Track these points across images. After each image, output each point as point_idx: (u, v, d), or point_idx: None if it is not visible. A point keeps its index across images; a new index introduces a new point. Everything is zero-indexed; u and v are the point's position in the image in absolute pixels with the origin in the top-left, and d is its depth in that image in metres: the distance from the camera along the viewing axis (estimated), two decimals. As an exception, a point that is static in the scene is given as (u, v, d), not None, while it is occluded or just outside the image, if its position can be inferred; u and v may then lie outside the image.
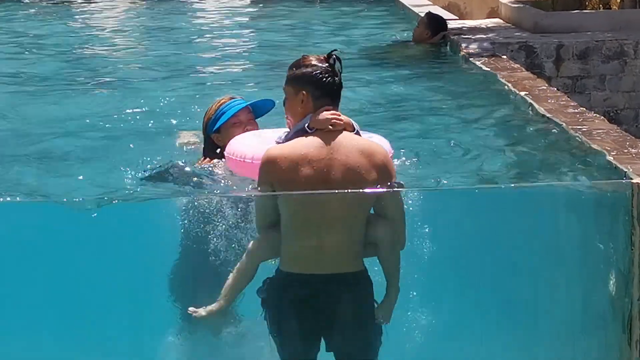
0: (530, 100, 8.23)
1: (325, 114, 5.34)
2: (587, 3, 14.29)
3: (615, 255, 5.96)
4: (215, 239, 5.99)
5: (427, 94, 9.44)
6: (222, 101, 6.43)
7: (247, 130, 6.20)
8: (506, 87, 9.00)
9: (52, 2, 20.04)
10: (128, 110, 9.54)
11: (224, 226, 5.99)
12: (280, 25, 16.31)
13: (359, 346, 5.52)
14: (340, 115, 5.38)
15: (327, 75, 5.41)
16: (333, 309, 5.48)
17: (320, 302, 5.46)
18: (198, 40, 15.09)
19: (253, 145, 5.80)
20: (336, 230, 5.47)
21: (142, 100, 9.96)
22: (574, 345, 6.09)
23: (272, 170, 5.36)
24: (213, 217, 6.04)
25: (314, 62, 5.43)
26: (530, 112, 8.08)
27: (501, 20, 14.59)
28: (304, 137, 5.35)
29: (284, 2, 19.58)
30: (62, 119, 9.33)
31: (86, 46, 14.34)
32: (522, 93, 8.52)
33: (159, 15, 18.29)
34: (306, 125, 5.34)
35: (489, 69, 9.88)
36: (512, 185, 6.55)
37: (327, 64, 5.43)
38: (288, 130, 5.57)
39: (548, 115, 7.68)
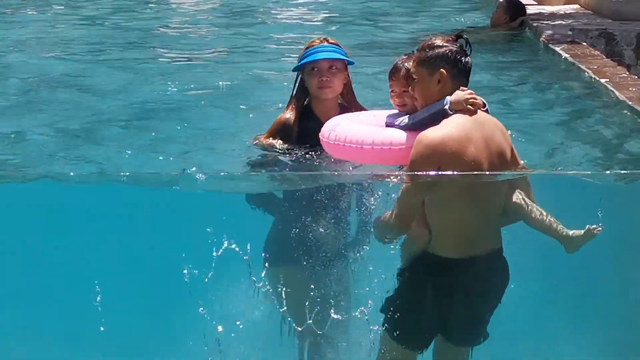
0: (611, 88, 8.15)
1: (464, 94, 5.27)
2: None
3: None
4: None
5: (506, 79, 9.41)
6: (312, 42, 6.13)
7: (327, 80, 5.92)
8: (587, 74, 8.91)
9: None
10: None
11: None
12: (355, 7, 16.28)
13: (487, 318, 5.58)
14: (474, 94, 5.31)
15: (462, 54, 5.35)
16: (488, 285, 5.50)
17: (478, 282, 5.46)
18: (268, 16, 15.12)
19: (365, 129, 5.57)
20: (494, 210, 5.48)
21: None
22: None
23: (439, 153, 5.20)
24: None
25: (447, 43, 5.34)
26: (612, 99, 8.00)
27: (580, 7, 14.48)
28: (455, 118, 5.24)
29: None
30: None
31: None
32: (603, 80, 8.44)
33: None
34: (446, 106, 5.26)
35: (568, 56, 9.79)
36: (598, 173, 6.50)
37: (458, 45, 5.36)
38: (398, 112, 5.54)
39: (630, 103, 7.60)
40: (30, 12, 15.38)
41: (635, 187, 6.14)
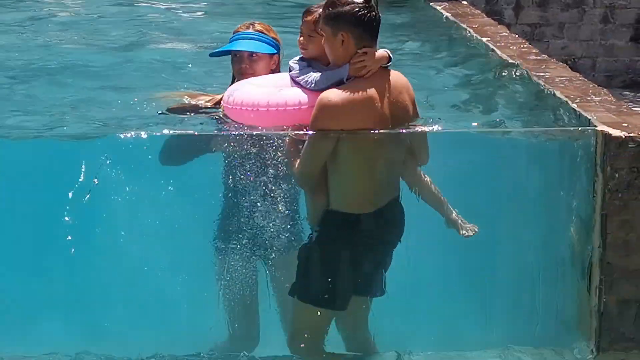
0: (492, 46, 8.22)
1: (358, 63, 5.28)
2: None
3: (576, 203, 6.01)
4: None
5: (386, 40, 9.41)
6: (238, 28, 6.02)
7: (246, 67, 5.82)
8: (467, 33, 8.98)
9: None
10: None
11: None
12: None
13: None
14: (372, 56, 5.31)
15: (365, 11, 5.27)
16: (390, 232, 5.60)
17: (381, 231, 5.57)
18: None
19: (262, 92, 5.55)
20: (395, 166, 5.58)
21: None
22: (534, 292, 6.12)
23: (340, 116, 5.28)
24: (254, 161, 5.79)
25: (353, 0, 5.26)
26: (493, 58, 8.06)
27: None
28: (357, 82, 5.29)
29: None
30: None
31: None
32: (484, 39, 8.52)
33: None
34: (344, 77, 5.30)
35: (449, 14, 9.86)
36: (477, 130, 6.56)
37: (364, 1, 5.28)
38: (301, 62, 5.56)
39: (511, 61, 7.68)
40: None
41: (517, 141, 6.22)
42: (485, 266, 6.08)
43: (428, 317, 5.95)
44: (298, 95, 5.42)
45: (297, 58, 5.61)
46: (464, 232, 5.68)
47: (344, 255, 5.56)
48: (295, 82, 5.50)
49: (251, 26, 5.93)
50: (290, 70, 5.59)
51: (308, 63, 5.54)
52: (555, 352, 6.09)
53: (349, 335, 5.79)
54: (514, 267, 6.11)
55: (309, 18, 5.49)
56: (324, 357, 5.72)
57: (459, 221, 5.68)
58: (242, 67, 5.81)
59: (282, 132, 5.54)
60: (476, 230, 5.69)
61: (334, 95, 5.29)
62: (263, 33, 5.87)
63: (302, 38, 5.54)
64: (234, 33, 5.94)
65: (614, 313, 5.89)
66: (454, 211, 5.69)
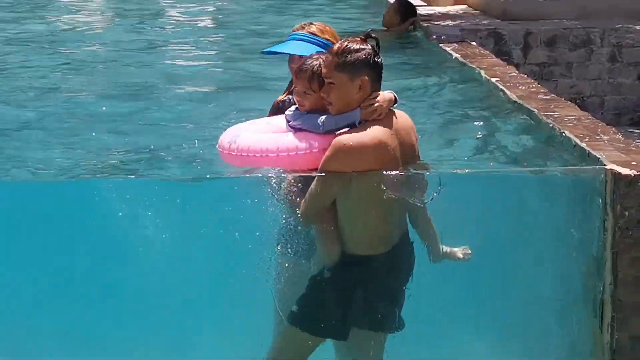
0: (501, 87, 8.26)
1: (371, 107, 5.32)
2: (554, -9, 14.39)
3: (588, 240, 6.03)
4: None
5: (399, 81, 9.46)
6: (294, 28, 5.91)
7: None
8: (477, 73, 9.02)
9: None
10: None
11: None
12: (261, 6, 16.31)
13: None
14: (380, 98, 5.35)
15: (376, 56, 5.34)
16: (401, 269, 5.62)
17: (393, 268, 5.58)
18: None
19: (270, 138, 5.51)
20: (405, 206, 5.61)
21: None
22: (548, 327, 6.14)
23: (354, 159, 5.31)
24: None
25: (363, 46, 5.30)
26: (502, 98, 8.10)
27: (469, 7, 14.64)
28: (369, 126, 5.32)
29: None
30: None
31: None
32: (494, 79, 8.55)
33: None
34: (357, 122, 5.32)
35: (459, 55, 9.91)
36: (489, 170, 6.59)
37: (370, 46, 5.33)
38: (295, 111, 5.55)
39: (519, 101, 7.72)
40: None
41: (528, 180, 6.25)
42: (499, 302, 6.09)
43: (444, 352, 5.96)
44: (308, 139, 5.40)
45: (292, 108, 5.59)
46: (461, 256, 5.71)
47: (356, 294, 5.57)
48: (297, 129, 5.50)
49: (306, 27, 5.86)
50: (287, 120, 5.56)
51: (306, 112, 5.52)
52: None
53: None
54: (528, 303, 6.12)
55: (304, 75, 5.45)
56: None
57: (450, 250, 5.70)
58: (290, 66, 5.76)
59: (305, 174, 5.51)
60: (468, 252, 5.71)
61: (349, 138, 5.31)
62: (316, 35, 5.77)
63: (297, 97, 5.52)
64: (291, 32, 5.88)
65: (627, 349, 5.92)
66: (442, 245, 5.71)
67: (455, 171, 6.07)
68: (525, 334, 6.14)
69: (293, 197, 5.53)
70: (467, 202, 5.90)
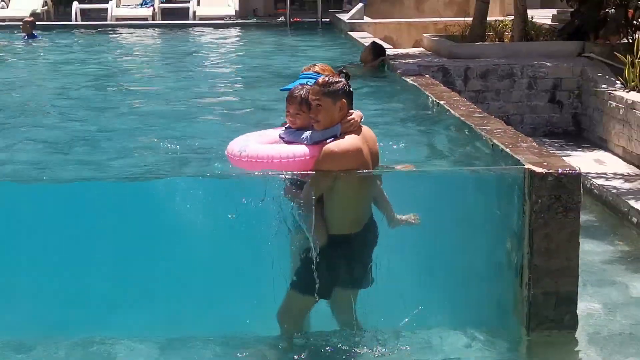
0: (447, 107, 8.23)
1: (352, 121, 5.38)
2: (486, 38, 14.36)
3: (511, 221, 6.00)
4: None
5: (371, 103, 9.47)
6: (303, 69, 5.93)
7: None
8: (430, 98, 9.00)
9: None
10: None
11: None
12: (257, 49, 16.29)
13: None
14: (354, 116, 5.42)
15: (349, 86, 5.45)
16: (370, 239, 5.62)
17: (365, 241, 5.60)
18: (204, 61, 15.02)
19: (273, 148, 5.49)
20: (372, 195, 5.62)
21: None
22: (481, 288, 6.10)
23: (341, 160, 5.34)
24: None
25: (339, 78, 5.42)
26: (448, 116, 8.06)
27: (424, 49, 14.64)
28: (348, 136, 5.37)
29: (262, 32, 19.57)
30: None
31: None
32: (442, 102, 8.52)
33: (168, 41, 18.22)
34: (338, 133, 5.37)
35: (417, 84, 9.89)
36: (439, 169, 6.55)
37: (344, 79, 5.46)
38: (286, 129, 5.54)
39: (461, 118, 7.68)
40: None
41: (466, 177, 6.21)
42: (443, 268, 6.05)
43: (400, 304, 5.87)
44: (302, 149, 5.43)
45: (283, 129, 5.62)
46: (412, 221, 5.71)
47: (337, 264, 5.58)
48: (290, 143, 5.51)
49: (311, 67, 5.90)
50: (282, 137, 5.58)
51: (295, 130, 5.55)
52: (496, 332, 6.02)
53: (338, 317, 5.80)
54: (465, 269, 6.07)
55: (295, 100, 5.48)
56: (300, 331, 5.75)
57: (404, 217, 5.71)
58: None
59: (308, 173, 5.48)
60: (417, 217, 5.73)
61: (335, 145, 5.38)
62: (318, 73, 5.76)
63: (290, 117, 5.53)
64: (301, 72, 5.91)
65: (540, 302, 5.88)
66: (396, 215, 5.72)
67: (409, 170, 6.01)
68: (464, 293, 6.07)
69: (295, 191, 5.53)
70: (421, 194, 5.88)
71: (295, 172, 5.50)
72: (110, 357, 5.66)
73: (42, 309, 5.80)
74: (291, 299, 5.66)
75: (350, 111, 5.44)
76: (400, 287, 5.77)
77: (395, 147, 7.24)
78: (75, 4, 22.21)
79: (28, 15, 20.95)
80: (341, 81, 5.41)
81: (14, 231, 5.79)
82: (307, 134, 5.44)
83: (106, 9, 22.23)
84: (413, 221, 5.73)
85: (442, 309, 5.97)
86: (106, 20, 21.76)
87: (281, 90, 5.87)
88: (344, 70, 5.55)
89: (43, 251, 5.79)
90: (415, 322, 5.89)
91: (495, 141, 6.65)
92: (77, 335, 5.81)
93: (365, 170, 5.47)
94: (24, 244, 5.80)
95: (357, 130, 5.42)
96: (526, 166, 5.90)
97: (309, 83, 5.61)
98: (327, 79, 5.42)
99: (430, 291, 5.94)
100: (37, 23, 18.76)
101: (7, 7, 22.39)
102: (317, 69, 5.85)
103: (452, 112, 8.03)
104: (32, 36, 17.86)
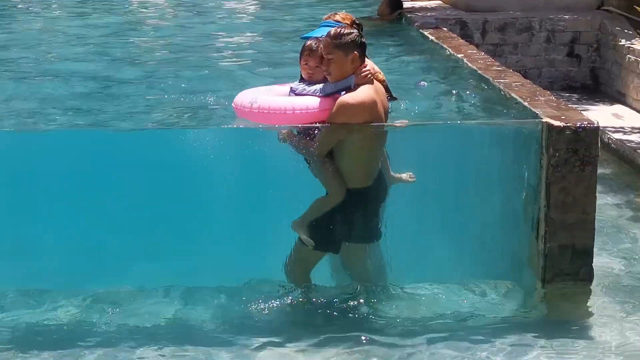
0: (465, 61, 8.20)
1: (366, 73, 5.33)
2: (505, -10, 14.22)
3: (528, 174, 6.00)
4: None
5: (390, 56, 9.42)
6: (324, 17, 5.88)
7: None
8: (447, 51, 8.96)
9: None
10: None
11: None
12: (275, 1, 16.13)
13: None
14: (367, 67, 5.36)
15: (362, 37, 5.38)
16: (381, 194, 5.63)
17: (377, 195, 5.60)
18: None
19: (287, 99, 5.44)
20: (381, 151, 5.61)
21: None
22: (497, 240, 6.13)
23: (355, 112, 5.29)
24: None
25: (351, 30, 5.33)
26: (466, 69, 8.03)
27: (441, 2, 14.51)
28: (362, 88, 5.32)
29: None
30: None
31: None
32: (460, 55, 8.49)
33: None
34: (352, 84, 5.31)
35: (434, 38, 9.83)
36: (456, 123, 6.55)
37: (357, 29, 5.38)
38: (298, 84, 5.49)
39: (479, 71, 7.65)
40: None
41: (485, 130, 6.20)
42: (460, 220, 6.09)
43: (414, 258, 5.92)
44: (315, 101, 5.38)
45: (296, 82, 5.56)
46: (408, 179, 5.73)
47: (350, 218, 5.57)
48: (300, 95, 5.45)
49: (332, 16, 5.83)
50: (293, 90, 5.52)
51: (308, 82, 5.49)
52: (511, 285, 6.07)
53: (351, 271, 5.84)
54: (482, 222, 6.10)
55: (315, 54, 5.41)
56: (307, 282, 5.77)
57: (399, 175, 5.72)
58: None
59: (320, 125, 5.44)
60: (413, 176, 5.73)
61: (351, 97, 5.32)
62: (339, 21, 5.69)
63: (309, 70, 5.46)
64: (322, 20, 5.85)
65: (555, 255, 5.90)
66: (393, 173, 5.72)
67: (423, 123, 6.00)
68: (479, 247, 6.10)
69: (307, 141, 5.48)
70: (437, 148, 5.89)
71: (309, 125, 5.45)
72: (132, 305, 5.73)
73: (59, 260, 5.85)
74: (299, 252, 5.66)
75: (364, 63, 5.39)
76: (415, 241, 5.82)
77: (411, 101, 7.23)
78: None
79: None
80: (353, 32, 5.33)
81: (32, 181, 5.83)
82: (319, 86, 5.40)
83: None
84: (408, 179, 5.72)
85: (457, 263, 6.01)
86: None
87: (301, 38, 5.82)
88: (357, 21, 5.51)
89: (61, 201, 5.83)
90: (430, 276, 5.95)
91: (512, 94, 6.64)
92: (102, 285, 5.89)
93: (379, 124, 5.45)
94: (43, 193, 5.84)
95: (370, 81, 5.39)
96: (544, 119, 5.89)
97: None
98: (338, 30, 5.34)
99: (445, 245, 5.98)
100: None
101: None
102: (337, 17, 5.79)
103: (470, 65, 7.98)
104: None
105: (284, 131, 5.51)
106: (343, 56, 5.31)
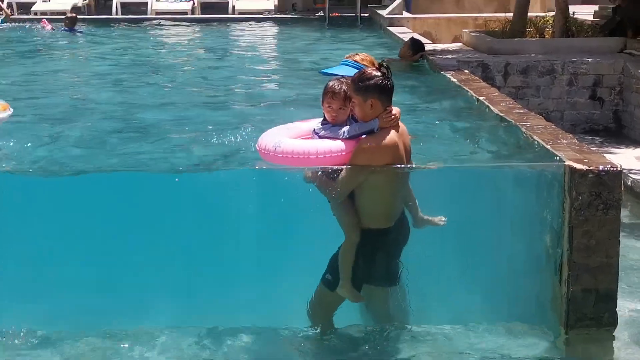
0: (487, 103, 8.21)
1: (388, 118, 5.31)
2: (527, 33, 14.28)
3: (551, 218, 5.98)
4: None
5: (411, 98, 9.44)
6: (346, 57, 5.86)
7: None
8: (469, 93, 8.98)
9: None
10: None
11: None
12: (296, 44, 16.30)
13: None
14: (393, 111, 5.34)
15: (386, 81, 5.30)
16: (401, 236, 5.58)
17: (396, 237, 5.56)
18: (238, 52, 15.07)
19: (309, 143, 5.42)
20: (403, 190, 5.58)
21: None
22: (519, 284, 6.09)
23: (376, 155, 5.29)
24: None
25: (375, 73, 5.28)
26: (488, 112, 8.04)
27: (463, 45, 14.58)
28: (384, 131, 5.30)
29: (301, 26, 19.58)
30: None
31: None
32: (481, 98, 8.50)
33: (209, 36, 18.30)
34: (375, 128, 5.30)
35: (455, 80, 9.87)
36: (479, 165, 6.54)
37: (382, 72, 5.30)
38: (322, 124, 5.49)
39: (501, 114, 7.66)
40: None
41: (507, 173, 6.19)
42: (484, 263, 6.04)
43: (437, 300, 5.90)
44: (339, 144, 5.37)
45: (319, 124, 5.54)
46: (437, 222, 5.67)
47: (369, 259, 5.53)
48: (325, 137, 5.45)
49: (352, 56, 5.84)
50: (316, 132, 5.50)
51: (331, 125, 5.47)
52: (534, 329, 6.02)
53: (371, 313, 5.78)
54: (504, 264, 6.06)
55: (339, 96, 5.38)
56: (329, 326, 5.74)
57: (429, 218, 5.67)
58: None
59: (341, 167, 5.45)
60: (443, 219, 5.67)
61: (372, 140, 5.32)
62: (358, 62, 5.70)
63: (332, 112, 5.42)
64: (343, 59, 5.88)
65: (579, 299, 5.86)
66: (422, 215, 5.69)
67: (446, 166, 5.98)
68: (502, 290, 6.06)
69: (331, 182, 5.47)
70: (461, 190, 5.89)
71: (330, 167, 5.44)
72: (151, 346, 5.73)
73: (78, 300, 5.84)
74: (321, 294, 5.63)
75: (389, 107, 5.37)
76: (438, 283, 5.79)
77: (434, 143, 7.23)
78: (115, -2, 22.40)
79: (69, 9, 21.21)
80: (375, 77, 5.27)
81: (53, 223, 5.85)
82: (344, 128, 5.40)
83: (146, 3, 22.41)
84: (437, 222, 5.68)
85: (480, 305, 5.97)
86: (146, 14, 21.91)
87: (320, 72, 5.82)
88: (385, 63, 5.46)
89: (82, 241, 5.84)
90: (452, 318, 5.91)
91: (535, 137, 6.63)
92: (119, 325, 5.89)
93: (400, 166, 5.44)
94: (63, 235, 5.86)
95: (395, 126, 5.39)
96: (566, 163, 5.87)
97: (344, 76, 5.57)
98: (360, 75, 5.32)
99: (468, 287, 5.94)
100: (78, 17, 18.98)
101: (50, 0, 22.62)
102: (357, 58, 5.80)
103: (492, 107, 7.99)
104: (73, 30, 18.11)
105: (309, 172, 5.52)
106: (362, 101, 5.29)
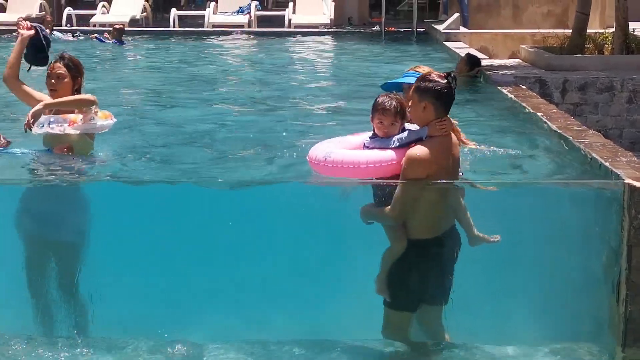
0: (545, 119, 8.16)
1: (440, 126, 5.26)
2: (585, 50, 14.17)
3: (609, 236, 5.92)
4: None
5: (467, 113, 9.42)
6: (408, 69, 5.96)
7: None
8: (526, 109, 8.93)
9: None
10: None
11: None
12: (353, 58, 16.35)
13: None
14: (446, 122, 5.29)
15: (446, 90, 5.26)
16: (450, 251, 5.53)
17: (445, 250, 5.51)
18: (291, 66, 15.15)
19: (359, 153, 5.41)
20: (454, 202, 5.52)
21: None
22: (576, 303, 6.04)
23: (425, 165, 5.22)
24: None
25: (436, 79, 5.26)
26: (545, 128, 7.99)
27: (521, 60, 14.51)
28: (433, 140, 5.24)
29: (357, 40, 19.65)
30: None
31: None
32: (539, 114, 8.45)
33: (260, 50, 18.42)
34: (424, 136, 5.26)
35: (513, 96, 9.82)
36: (537, 182, 6.50)
37: (446, 81, 5.28)
38: (372, 137, 5.52)
39: (559, 131, 7.61)
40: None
41: (565, 190, 6.15)
42: (539, 281, 6.00)
43: (493, 317, 5.87)
44: (389, 154, 5.34)
45: (368, 137, 5.53)
46: (492, 241, 5.61)
47: (417, 272, 5.48)
48: (375, 148, 5.43)
49: (415, 68, 5.92)
50: (366, 146, 5.49)
51: (380, 137, 5.46)
52: (590, 348, 5.97)
53: (425, 330, 5.74)
54: (561, 283, 6.01)
55: (390, 112, 5.37)
56: (407, 343, 5.70)
57: (484, 236, 5.60)
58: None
59: (393, 181, 5.42)
60: (498, 237, 5.60)
61: (420, 150, 5.27)
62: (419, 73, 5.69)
63: (384, 128, 5.40)
64: (405, 71, 5.93)
65: (636, 319, 5.79)
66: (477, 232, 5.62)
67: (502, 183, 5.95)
68: (559, 308, 6.01)
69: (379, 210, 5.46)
70: (518, 208, 5.85)
71: (382, 180, 5.42)
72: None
73: (135, 308, 5.93)
74: (386, 316, 5.60)
75: (444, 116, 5.31)
76: (494, 301, 5.76)
77: (490, 160, 7.20)
78: (173, 11, 22.68)
79: (127, 21, 21.54)
80: (436, 82, 5.22)
81: (117, 230, 5.94)
82: (394, 137, 5.39)
83: (203, 16, 22.63)
84: (492, 240, 5.62)
85: (536, 323, 5.91)
86: (203, 27, 22.14)
87: (383, 85, 5.85)
88: (451, 74, 5.42)
89: (140, 251, 5.93)
90: (508, 337, 5.87)
91: (594, 154, 6.57)
92: (169, 336, 5.94)
93: (452, 181, 5.41)
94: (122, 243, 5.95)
95: (444, 135, 5.30)
96: (626, 181, 5.81)
97: (394, 92, 5.59)
98: (427, 75, 5.31)
99: (524, 306, 5.90)
100: (136, 29, 19.26)
101: (108, 12, 22.98)
102: (420, 70, 5.81)
103: (549, 124, 7.93)
104: (120, 42, 18.43)
105: (362, 207, 5.52)
106: (417, 101, 5.27)
